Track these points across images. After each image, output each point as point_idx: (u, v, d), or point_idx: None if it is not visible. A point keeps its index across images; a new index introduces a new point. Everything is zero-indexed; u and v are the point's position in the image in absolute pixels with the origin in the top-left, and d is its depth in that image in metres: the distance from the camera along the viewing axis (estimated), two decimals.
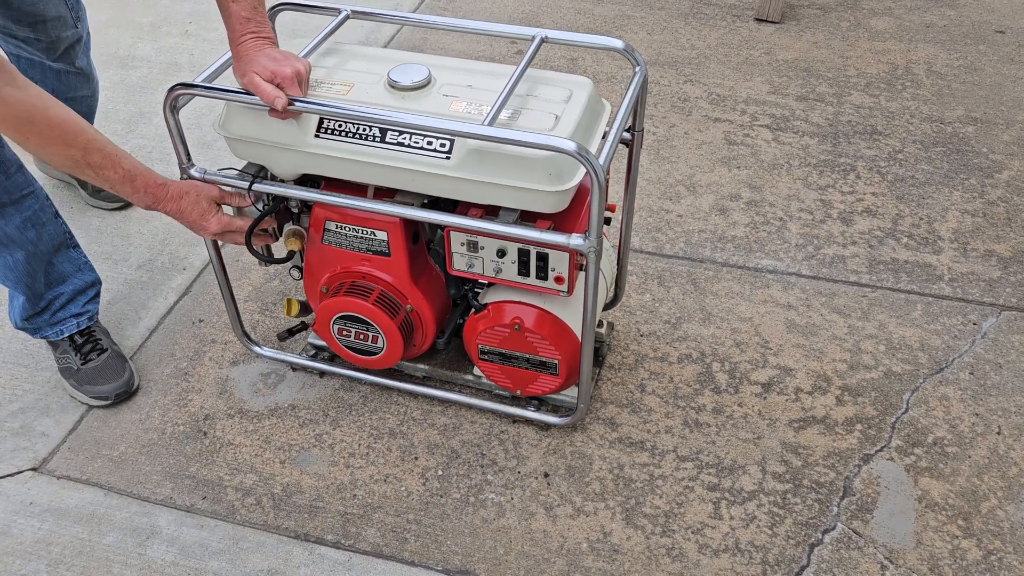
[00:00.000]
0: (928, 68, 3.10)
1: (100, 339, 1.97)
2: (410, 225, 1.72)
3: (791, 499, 1.74)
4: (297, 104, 1.49)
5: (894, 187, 2.55)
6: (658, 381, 1.98)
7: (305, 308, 1.92)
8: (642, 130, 1.77)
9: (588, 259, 1.53)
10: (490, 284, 1.80)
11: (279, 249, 1.96)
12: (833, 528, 1.68)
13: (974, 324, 2.10)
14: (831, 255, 2.32)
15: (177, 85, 1.56)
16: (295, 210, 1.78)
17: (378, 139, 1.57)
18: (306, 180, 1.71)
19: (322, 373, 2.01)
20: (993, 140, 2.73)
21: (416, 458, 1.83)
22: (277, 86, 1.49)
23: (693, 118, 2.87)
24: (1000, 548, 1.65)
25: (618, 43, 1.69)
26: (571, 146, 1.40)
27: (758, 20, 3.39)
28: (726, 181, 2.59)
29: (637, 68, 1.68)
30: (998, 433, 1.85)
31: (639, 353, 2.05)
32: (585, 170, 1.52)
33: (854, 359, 2.02)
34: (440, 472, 1.80)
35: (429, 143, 1.54)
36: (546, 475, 1.79)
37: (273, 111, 1.52)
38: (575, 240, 1.51)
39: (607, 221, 1.70)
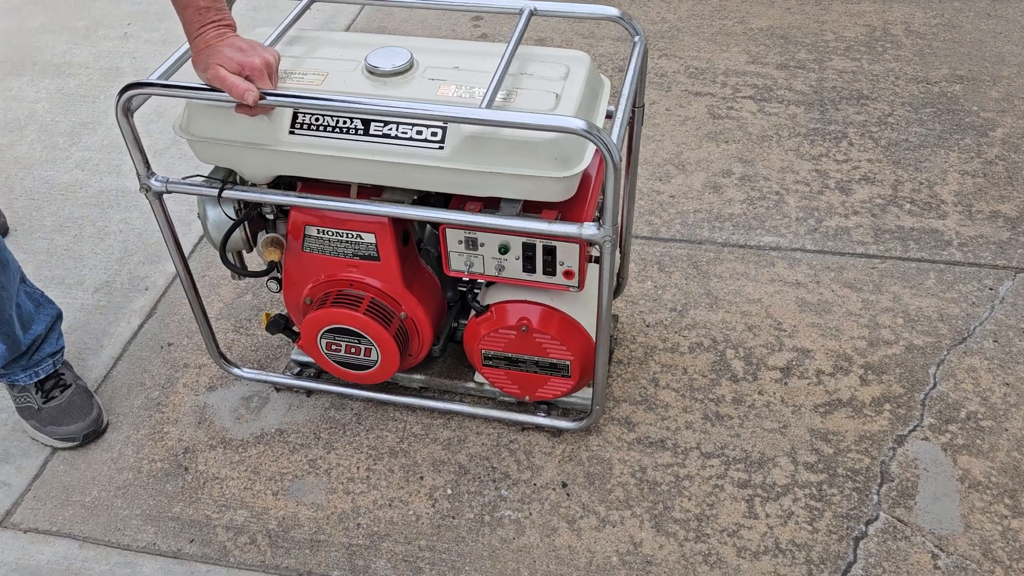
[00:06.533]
0: (906, 28, 3.02)
1: (64, 374, 1.79)
2: (400, 225, 1.56)
3: (827, 490, 1.63)
4: (270, 98, 1.33)
5: (889, 152, 2.46)
6: (671, 374, 1.86)
7: (277, 322, 1.74)
8: (643, 106, 1.63)
9: (603, 249, 1.39)
10: (489, 283, 1.65)
11: (251, 259, 1.79)
12: (876, 518, 1.58)
13: (990, 289, 2.02)
14: (834, 227, 2.21)
15: (131, 85, 1.38)
16: (270, 216, 1.61)
17: (361, 131, 1.41)
18: (281, 182, 1.55)
19: (309, 392, 1.85)
20: (982, 98, 2.66)
21: (421, 478, 1.68)
22: (246, 78, 1.32)
23: (673, 93, 2.75)
24: None
25: (613, 11, 1.55)
26: (580, 125, 1.26)
27: None
28: (716, 157, 2.47)
29: (636, 38, 1.54)
30: None
31: (647, 345, 1.92)
32: (591, 153, 1.40)
33: (873, 335, 1.92)
34: (449, 491, 1.66)
35: (419, 132, 1.39)
36: (564, 485, 1.66)
37: (242, 106, 1.35)
38: (588, 229, 1.37)
39: None
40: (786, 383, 1.83)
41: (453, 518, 1.61)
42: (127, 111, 1.40)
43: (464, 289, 1.66)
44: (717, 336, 1.94)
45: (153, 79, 1.42)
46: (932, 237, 2.17)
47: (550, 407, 1.76)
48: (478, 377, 1.79)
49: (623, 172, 1.78)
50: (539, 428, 1.75)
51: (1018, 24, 3.00)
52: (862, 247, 2.15)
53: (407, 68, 1.46)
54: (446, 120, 1.34)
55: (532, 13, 1.55)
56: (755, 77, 2.80)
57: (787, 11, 3.15)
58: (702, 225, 2.24)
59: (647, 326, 1.97)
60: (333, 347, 1.66)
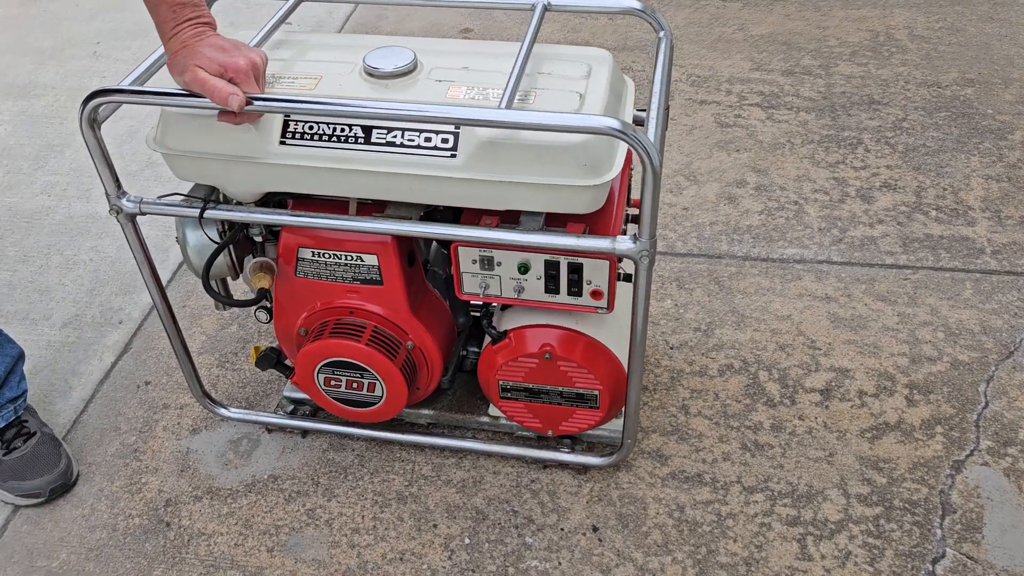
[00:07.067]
0: (910, 32, 2.92)
1: (27, 421, 1.60)
2: (405, 244, 1.40)
3: (885, 525, 1.47)
4: (257, 103, 1.16)
5: (907, 158, 2.34)
6: (702, 400, 1.70)
7: (268, 356, 1.57)
8: (668, 107, 1.49)
9: (639, 265, 1.24)
10: (505, 306, 1.49)
11: (237, 287, 1.62)
12: (943, 555, 1.42)
13: None
14: (860, 237, 2.08)
15: (97, 92, 1.21)
16: (258, 238, 1.44)
17: (361, 139, 1.25)
18: (270, 199, 1.39)
19: (305, 432, 1.67)
20: (996, 100, 2.55)
21: (435, 526, 1.51)
22: (229, 81, 1.16)
23: (677, 102, 2.62)
24: None
25: (635, 3, 1.41)
26: (615, 124, 1.11)
27: None
28: (728, 166, 2.34)
29: (661, 33, 1.41)
30: None
31: (673, 369, 1.77)
32: (623, 158, 1.25)
33: (914, 351, 1.78)
34: (467, 540, 1.48)
35: (427, 139, 1.23)
36: (595, 529, 1.49)
37: (225, 114, 1.18)
38: (623, 243, 1.21)
39: (632, 219, 1.42)
40: (827, 406, 1.68)
41: (473, 571, 1.44)
42: (93, 122, 1.23)
43: (478, 314, 1.50)
44: (748, 357, 1.79)
45: (123, 85, 1.25)
46: (963, 245, 2.04)
47: (574, 442, 1.59)
48: (493, 410, 1.62)
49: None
50: (563, 465, 1.58)
51: (1022, 27, 2.92)
52: (891, 257, 2.02)
53: (411, 69, 1.31)
54: (461, 123, 1.19)
55: (546, 8, 1.41)
56: (761, 84, 2.68)
57: (786, 17, 3.05)
58: (720, 238, 2.09)
59: (671, 348, 1.81)
60: (332, 382, 1.48)
